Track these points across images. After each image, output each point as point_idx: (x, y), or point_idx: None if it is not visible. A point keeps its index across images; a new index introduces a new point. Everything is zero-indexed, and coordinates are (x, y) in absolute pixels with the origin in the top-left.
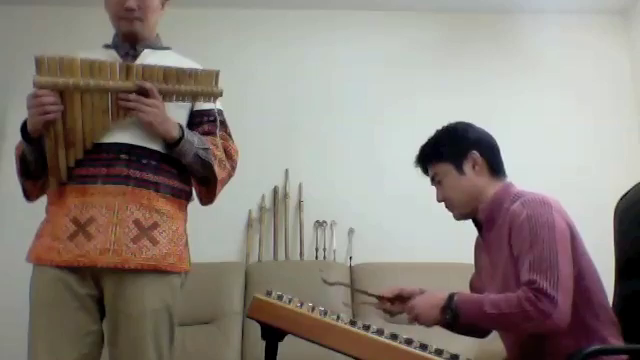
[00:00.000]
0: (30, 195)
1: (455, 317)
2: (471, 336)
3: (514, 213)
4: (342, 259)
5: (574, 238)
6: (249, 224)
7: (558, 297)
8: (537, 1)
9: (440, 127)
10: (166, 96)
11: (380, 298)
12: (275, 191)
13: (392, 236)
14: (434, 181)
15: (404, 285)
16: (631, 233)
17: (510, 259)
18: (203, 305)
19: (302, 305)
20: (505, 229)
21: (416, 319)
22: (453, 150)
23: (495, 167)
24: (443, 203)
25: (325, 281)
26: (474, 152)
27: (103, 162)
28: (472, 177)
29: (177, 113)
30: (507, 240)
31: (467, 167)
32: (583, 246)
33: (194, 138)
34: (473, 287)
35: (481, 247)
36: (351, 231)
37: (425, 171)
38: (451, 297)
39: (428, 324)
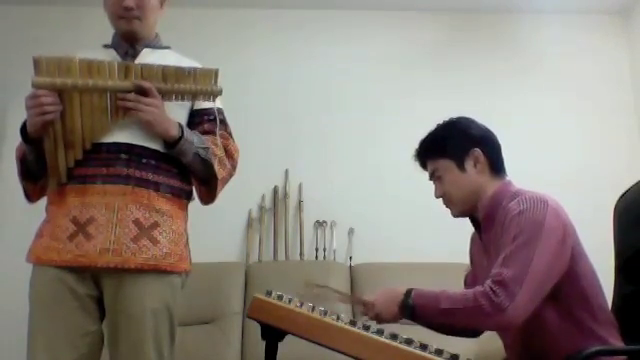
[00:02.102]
0: (31, 196)
1: (412, 314)
2: (441, 333)
3: (509, 210)
4: (342, 259)
5: (570, 239)
6: (249, 224)
7: (518, 292)
8: (537, 1)
9: (441, 121)
10: (165, 95)
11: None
12: (275, 191)
13: (392, 236)
14: (433, 176)
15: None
16: (630, 232)
17: None
18: (203, 305)
19: (302, 305)
20: (500, 228)
21: (376, 318)
22: (455, 147)
23: (496, 165)
24: (441, 199)
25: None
26: (476, 150)
27: (103, 162)
28: (473, 175)
29: (177, 112)
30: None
31: (469, 165)
32: (581, 247)
33: (194, 137)
34: (467, 283)
35: (478, 244)
36: (351, 231)
37: (424, 166)
38: (408, 293)
39: (389, 321)
